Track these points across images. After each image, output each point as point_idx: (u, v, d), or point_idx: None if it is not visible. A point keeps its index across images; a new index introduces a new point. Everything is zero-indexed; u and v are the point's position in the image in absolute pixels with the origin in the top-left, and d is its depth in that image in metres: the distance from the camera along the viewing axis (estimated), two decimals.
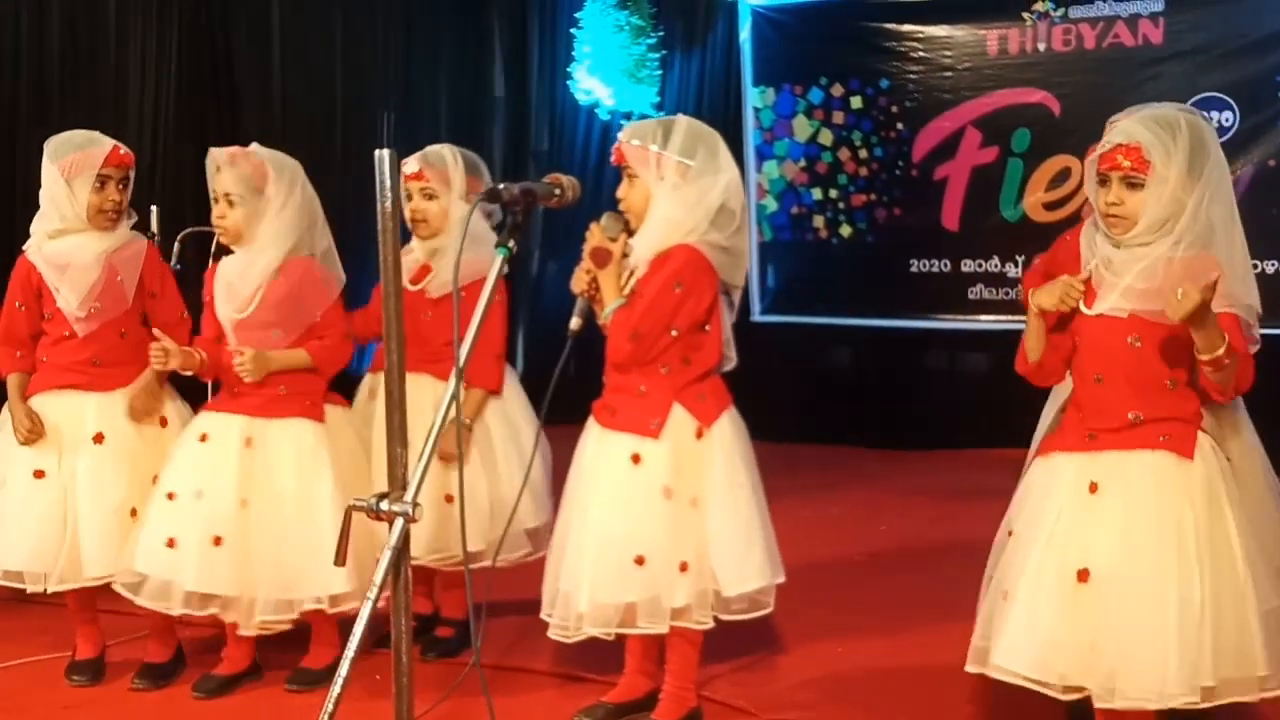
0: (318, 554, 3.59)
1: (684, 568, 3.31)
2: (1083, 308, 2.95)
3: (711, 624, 3.37)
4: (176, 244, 4.39)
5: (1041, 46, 7.20)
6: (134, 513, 3.76)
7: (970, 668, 3.01)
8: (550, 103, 8.56)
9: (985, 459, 6.47)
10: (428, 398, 3.81)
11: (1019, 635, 2.86)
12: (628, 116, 7.98)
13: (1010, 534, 3.05)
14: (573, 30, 8.05)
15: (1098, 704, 2.83)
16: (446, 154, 4.06)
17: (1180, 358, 2.86)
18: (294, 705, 3.72)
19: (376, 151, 2.29)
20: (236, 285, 3.76)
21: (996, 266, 7.32)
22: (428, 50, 7.70)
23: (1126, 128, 2.89)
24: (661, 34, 8.08)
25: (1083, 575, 2.82)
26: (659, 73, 8.09)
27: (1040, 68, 7.21)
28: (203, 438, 3.75)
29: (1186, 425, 2.89)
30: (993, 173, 7.32)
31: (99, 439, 3.79)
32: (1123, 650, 2.78)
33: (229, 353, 3.72)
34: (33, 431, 3.76)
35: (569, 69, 8.10)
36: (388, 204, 2.30)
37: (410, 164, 4.03)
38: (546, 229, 8.43)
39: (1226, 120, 6.66)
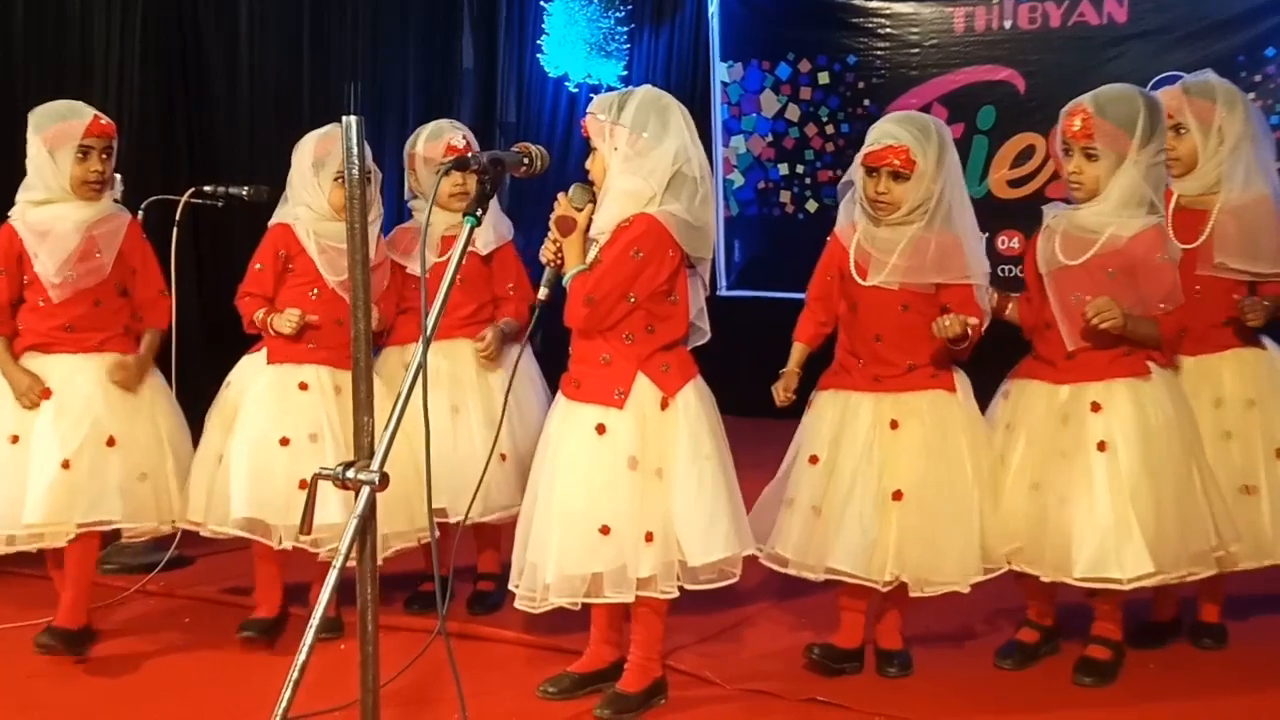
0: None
1: (649, 538, 3.31)
2: (857, 279, 3.61)
3: (676, 594, 3.38)
4: (140, 213, 4.34)
5: (1007, 24, 7.23)
6: (66, 464, 3.73)
7: (792, 571, 3.65)
8: (518, 75, 8.52)
9: None
10: (469, 359, 4.16)
11: (852, 543, 3.52)
12: (595, 89, 7.96)
13: (812, 459, 3.65)
14: (541, 2, 8.02)
15: (912, 593, 3.55)
16: (466, 129, 4.24)
17: (938, 316, 3.52)
18: (260, 672, 3.72)
19: (344, 118, 2.29)
20: (343, 248, 3.89)
21: None
22: (396, 20, 7.64)
23: (890, 130, 3.56)
24: (630, 7, 8.06)
25: (897, 495, 3.53)
26: (627, 46, 8.07)
27: (1006, 46, 7.24)
28: (302, 386, 3.93)
29: (946, 366, 3.61)
30: (958, 149, 7.31)
31: (45, 394, 3.78)
32: (930, 552, 3.52)
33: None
34: (39, 395, 3.77)
35: (538, 41, 8.07)
36: (355, 171, 2.30)
37: (456, 138, 4.15)
38: (514, 199, 8.40)
39: None
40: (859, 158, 3.62)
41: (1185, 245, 3.67)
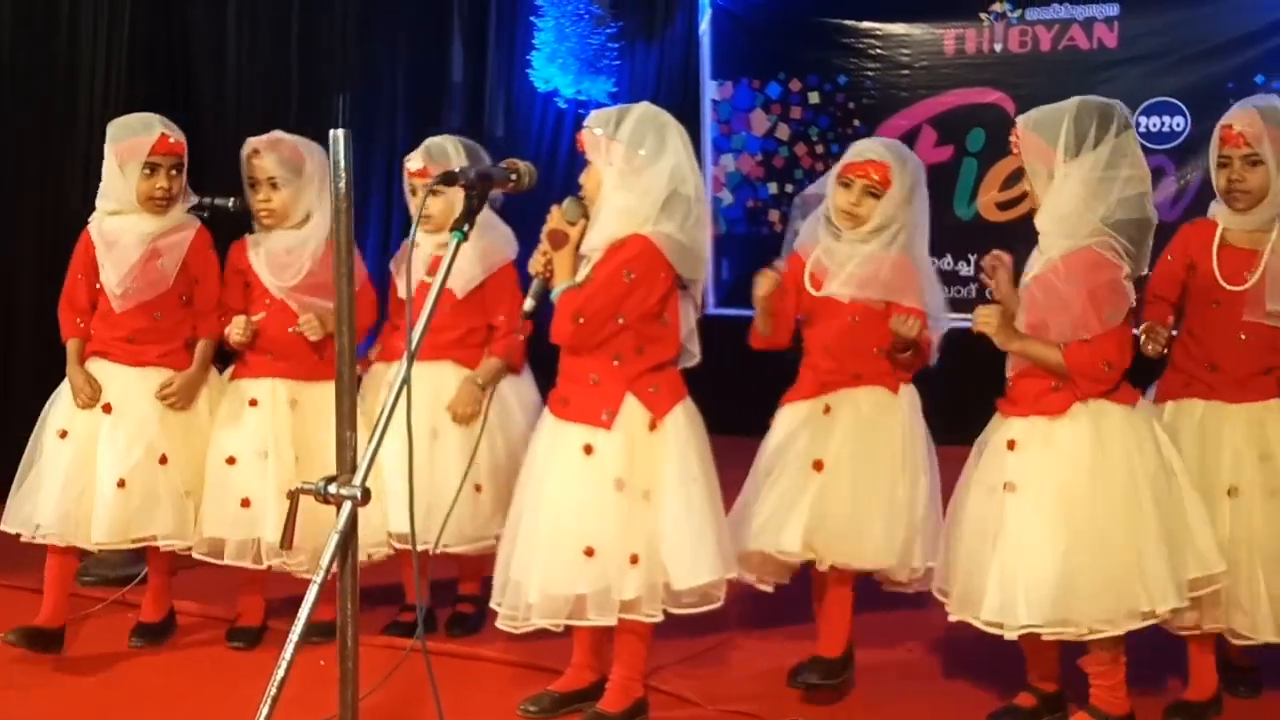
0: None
1: (634, 560, 3.29)
2: (810, 289, 3.70)
3: (661, 617, 3.36)
4: None
5: (998, 47, 7.26)
6: (122, 483, 3.83)
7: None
8: (508, 89, 8.51)
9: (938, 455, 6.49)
10: (452, 384, 4.01)
11: (765, 518, 3.62)
12: (585, 106, 7.96)
13: (766, 470, 3.72)
14: (532, 17, 8.02)
15: (820, 566, 3.63)
16: (449, 146, 4.09)
17: (885, 334, 3.62)
18: (238, 686, 3.69)
19: (331, 131, 2.27)
20: (286, 260, 3.98)
21: (949, 264, 7.35)
22: (386, 34, 7.63)
23: (873, 147, 3.70)
24: (621, 24, 8.06)
25: (818, 465, 3.61)
26: (617, 63, 8.07)
27: (996, 68, 7.27)
28: (252, 402, 3.96)
29: (890, 375, 3.70)
30: (947, 171, 7.36)
31: (107, 409, 3.89)
32: (843, 525, 3.57)
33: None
34: (91, 396, 3.87)
35: (528, 56, 8.07)
36: (342, 184, 2.28)
37: (414, 160, 4.07)
38: (503, 215, 8.38)
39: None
40: (835, 170, 3.70)
41: (1232, 287, 3.44)
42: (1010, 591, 3.20)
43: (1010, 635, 3.23)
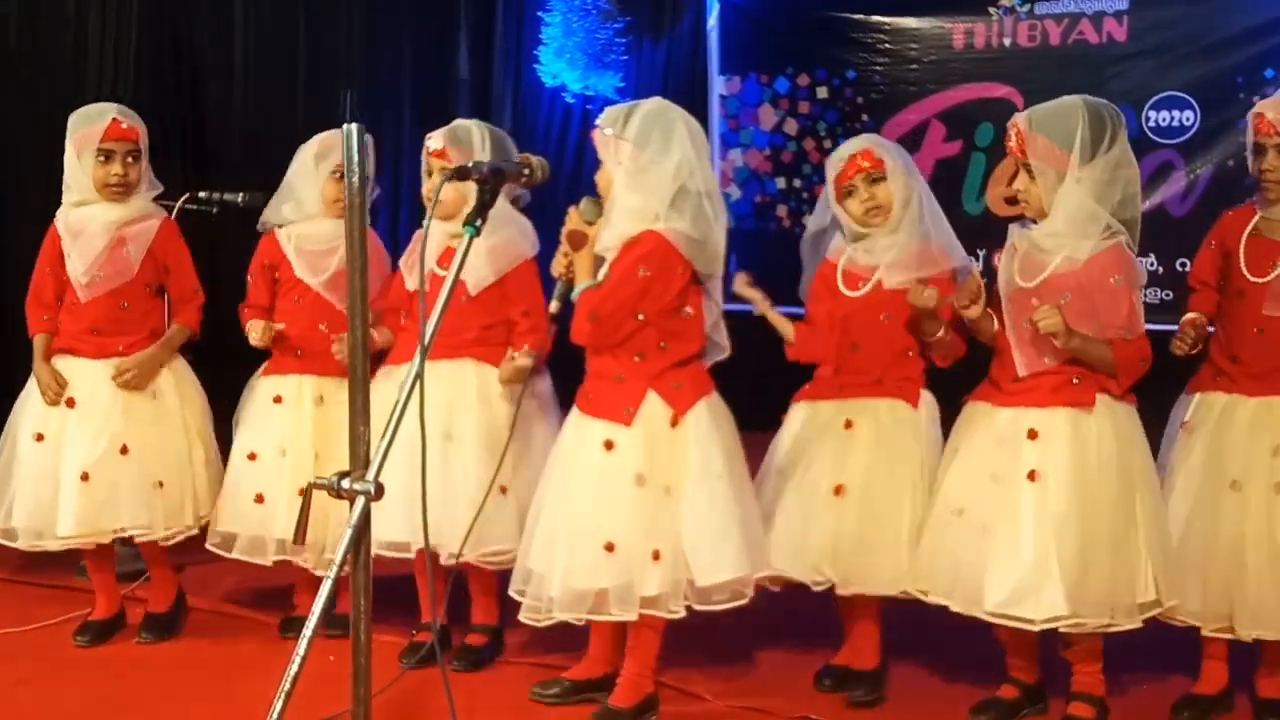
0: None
1: (656, 556, 3.29)
2: (845, 290, 3.64)
3: (683, 613, 3.35)
4: None
5: (1007, 41, 7.22)
6: (85, 476, 3.83)
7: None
8: (515, 85, 8.50)
9: None
10: (472, 383, 3.80)
11: (792, 541, 3.53)
12: (592, 101, 7.95)
13: (778, 471, 3.66)
14: (539, 12, 8.01)
15: (839, 591, 3.53)
16: (475, 131, 3.88)
17: (915, 333, 3.59)
18: (249, 681, 3.69)
19: (345, 126, 2.27)
20: (324, 251, 3.97)
21: None
22: (392, 30, 7.62)
23: (842, 148, 3.70)
24: (629, 19, 8.05)
25: (838, 490, 3.52)
26: (625, 58, 8.06)
27: (1005, 63, 7.23)
28: (277, 399, 3.99)
29: (915, 382, 3.62)
30: (956, 166, 7.34)
31: (70, 404, 3.89)
32: (862, 551, 3.48)
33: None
34: (58, 392, 3.88)
35: (535, 51, 8.06)
36: (355, 179, 2.28)
37: (434, 140, 3.87)
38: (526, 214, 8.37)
39: (1188, 120, 6.71)
40: (830, 195, 3.67)
41: (1255, 279, 3.36)
42: (1043, 582, 3.17)
43: (1040, 627, 3.21)
